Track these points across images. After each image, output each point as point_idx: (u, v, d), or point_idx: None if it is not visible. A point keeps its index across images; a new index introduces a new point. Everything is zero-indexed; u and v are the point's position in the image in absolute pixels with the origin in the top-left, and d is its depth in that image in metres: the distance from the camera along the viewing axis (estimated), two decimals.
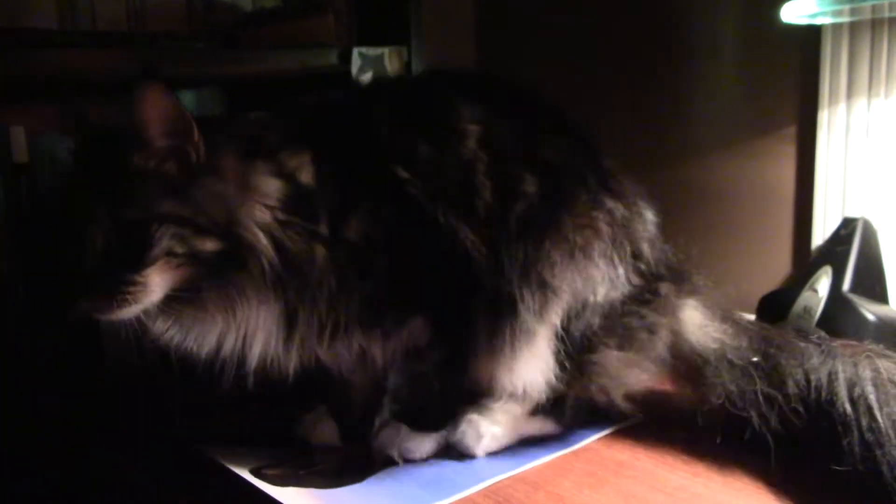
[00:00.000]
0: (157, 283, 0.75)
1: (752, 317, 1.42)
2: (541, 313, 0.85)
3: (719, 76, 1.49)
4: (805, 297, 1.25)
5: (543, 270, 0.84)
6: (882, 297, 1.26)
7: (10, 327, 1.13)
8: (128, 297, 0.75)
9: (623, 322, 0.90)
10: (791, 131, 1.41)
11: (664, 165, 1.57)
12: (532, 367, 0.87)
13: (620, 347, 0.90)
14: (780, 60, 1.40)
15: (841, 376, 0.82)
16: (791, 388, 0.85)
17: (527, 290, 0.84)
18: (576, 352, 0.87)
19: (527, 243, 0.84)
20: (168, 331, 0.82)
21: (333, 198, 0.81)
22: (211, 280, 0.78)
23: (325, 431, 0.95)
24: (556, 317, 0.86)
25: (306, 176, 0.82)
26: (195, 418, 1.03)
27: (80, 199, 0.77)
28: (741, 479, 0.83)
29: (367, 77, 1.33)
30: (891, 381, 0.81)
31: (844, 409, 0.79)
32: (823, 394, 0.82)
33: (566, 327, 0.87)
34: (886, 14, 1.24)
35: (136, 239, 0.74)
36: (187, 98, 1.51)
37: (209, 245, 0.76)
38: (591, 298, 0.88)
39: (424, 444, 0.89)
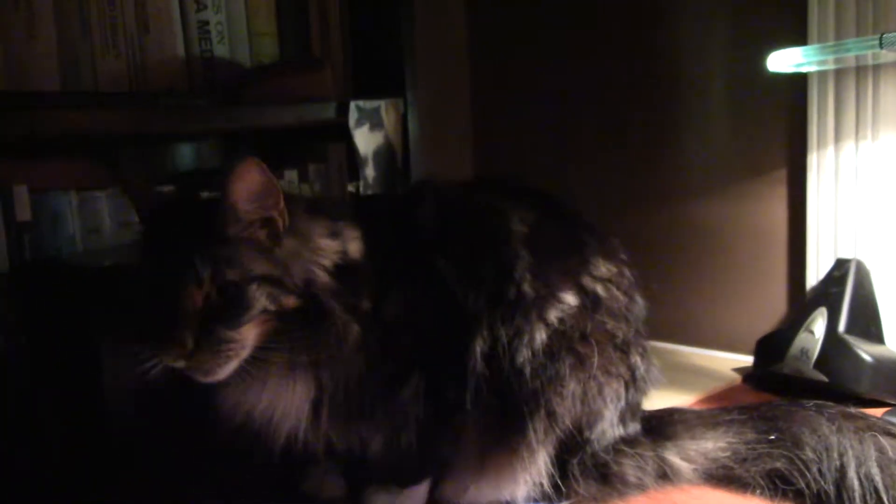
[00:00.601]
0: (250, 340, 0.78)
1: (747, 358, 1.45)
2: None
3: (709, 121, 1.52)
4: (801, 339, 1.27)
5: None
6: (877, 338, 1.27)
7: (12, 382, 1.14)
8: (230, 353, 0.77)
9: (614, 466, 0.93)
10: (782, 174, 1.44)
11: (656, 209, 1.59)
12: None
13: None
14: (769, 106, 1.44)
15: (850, 453, 0.86)
16: (810, 455, 0.89)
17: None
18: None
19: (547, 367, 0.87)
20: (229, 392, 0.84)
21: (376, 277, 0.84)
22: (289, 336, 0.80)
23: (333, 485, 0.96)
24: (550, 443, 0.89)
25: (355, 250, 0.84)
26: (197, 472, 1.03)
27: (175, 262, 0.78)
28: None
29: (363, 129, 1.36)
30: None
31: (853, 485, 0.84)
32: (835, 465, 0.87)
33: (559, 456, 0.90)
34: (870, 62, 1.28)
35: (235, 298, 0.77)
36: (188, 150, 1.54)
37: (291, 302, 0.79)
38: (587, 434, 0.90)
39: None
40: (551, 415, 0.86)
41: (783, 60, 1.14)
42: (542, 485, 0.88)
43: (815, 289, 1.35)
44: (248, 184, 0.78)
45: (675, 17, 1.54)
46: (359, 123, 1.35)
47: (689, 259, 1.55)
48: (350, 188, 1.38)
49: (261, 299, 0.78)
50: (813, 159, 1.37)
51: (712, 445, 0.96)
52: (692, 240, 1.55)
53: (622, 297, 0.94)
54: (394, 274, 0.85)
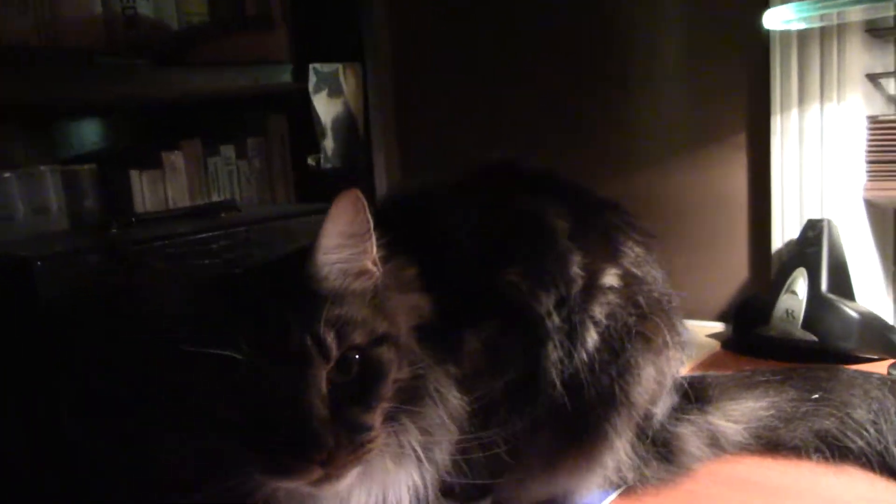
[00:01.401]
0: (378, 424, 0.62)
1: (717, 325, 1.44)
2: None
3: (665, 85, 1.49)
4: (785, 300, 1.26)
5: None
6: (851, 295, 1.29)
7: None
8: (370, 446, 0.61)
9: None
10: (741, 138, 1.44)
11: (612, 177, 1.55)
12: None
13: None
14: (728, 69, 1.43)
15: None
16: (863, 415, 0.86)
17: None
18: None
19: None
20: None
21: (448, 323, 0.70)
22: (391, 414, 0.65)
23: None
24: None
25: (426, 302, 0.70)
26: None
27: (277, 338, 0.60)
28: None
29: (322, 95, 1.23)
30: None
31: None
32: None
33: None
34: (834, 22, 1.29)
35: (367, 369, 0.62)
36: (94, 125, 1.33)
37: (405, 369, 0.65)
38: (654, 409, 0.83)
39: None
40: (630, 405, 0.78)
41: (780, 16, 1.12)
42: (612, 475, 0.81)
43: (790, 250, 1.36)
44: (351, 223, 0.63)
45: None
46: (317, 89, 1.22)
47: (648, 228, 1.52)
48: (310, 161, 1.24)
49: (392, 364, 0.63)
50: (777, 122, 1.37)
51: (755, 405, 0.92)
52: (651, 208, 1.51)
53: (653, 271, 0.88)
54: (463, 311, 0.72)
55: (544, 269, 0.77)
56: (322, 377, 0.60)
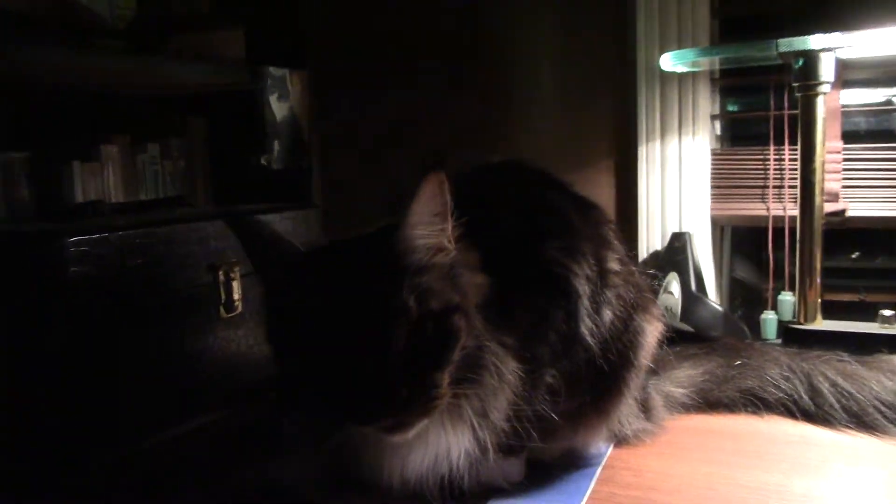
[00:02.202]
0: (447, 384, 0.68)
1: None
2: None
3: (543, 119, 1.71)
4: (664, 299, 1.50)
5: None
6: (707, 294, 1.57)
7: None
8: (437, 402, 0.67)
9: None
10: (611, 163, 1.69)
11: None
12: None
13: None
14: (599, 105, 1.67)
15: (814, 370, 1.06)
16: (777, 372, 1.08)
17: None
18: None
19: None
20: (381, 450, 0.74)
21: (502, 298, 0.79)
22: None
23: None
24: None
25: (484, 280, 0.78)
26: None
27: (367, 299, 0.66)
28: None
29: (273, 98, 1.26)
30: None
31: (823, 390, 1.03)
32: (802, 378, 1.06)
33: None
34: (691, 69, 1.57)
35: (440, 333, 0.68)
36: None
37: (472, 341, 0.71)
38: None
39: (518, 466, 0.90)
40: (637, 366, 0.93)
41: (674, 61, 1.36)
42: (616, 429, 0.95)
43: (659, 258, 1.61)
44: (434, 202, 0.71)
45: (506, 22, 1.71)
46: (270, 91, 1.25)
47: None
48: (262, 161, 1.26)
49: (462, 332, 0.70)
50: (643, 151, 1.63)
51: (692, 372, 1.11)
52: None
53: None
54: (514, 284, 0.82)
55: (574, 245, 0.90)
56: (402, 336, 0.68)
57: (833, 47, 1.24)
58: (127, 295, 0.93)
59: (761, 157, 1.59)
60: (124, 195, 1.25)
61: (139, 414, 0.97)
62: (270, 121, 1.25)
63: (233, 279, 1.08)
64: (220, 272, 1.06)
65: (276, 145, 1.28)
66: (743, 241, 1.77)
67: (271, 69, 1.25)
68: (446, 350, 0.70)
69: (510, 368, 0.79)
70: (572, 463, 0.92)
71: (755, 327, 1.53)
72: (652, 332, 0.96)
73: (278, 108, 1.27)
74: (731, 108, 1.79)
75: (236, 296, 1.09)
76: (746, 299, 1.76)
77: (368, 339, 0.66)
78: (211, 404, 1.09)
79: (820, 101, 1.28)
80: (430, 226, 0.72)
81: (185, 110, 1.36)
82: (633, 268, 0.99)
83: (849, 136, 1.59)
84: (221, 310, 1.07)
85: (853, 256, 1.82)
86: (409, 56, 1.76)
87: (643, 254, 1.65)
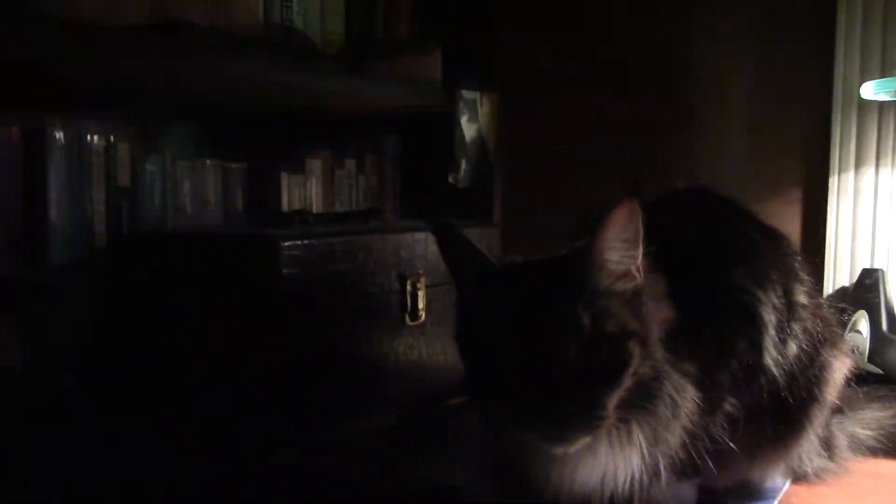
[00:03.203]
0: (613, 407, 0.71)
1: None
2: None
3: (731, 147, 1.68)
4: (851, 338, 1.43)
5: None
6: None
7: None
8: (601, 421, 0.70)
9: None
10: (798, 193, 1.63)
11: None
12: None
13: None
14: (790, 132, 1.62)
15: None
16: None
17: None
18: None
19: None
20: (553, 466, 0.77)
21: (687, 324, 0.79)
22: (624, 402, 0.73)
23: None
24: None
25: (672, 314, 0.79)
26: None
27: (545, 312, 0.70)
28: None
29: (463, 120, 1.33)
30: None
31: None
32: None
33: None
34: (892, 98, 1.49)
35: (613, 355, 0.70)
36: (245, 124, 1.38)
37: (647, 367, 0.73)
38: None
39: (690, 492, 0.90)
40: (823, 401, 0.91)
41: (877, 88, 1.31)
42: (795, 464, 0.93)
43: (847, 295, 1.53)
44: (624, 229, 0.72)
45: (695, 46, 1.69)
46: (461, 113, 1.32)
47: None
48: (450, 180, 1.33)
49: (635, 359, 0.71)
50: (834, 182, 1.56)
51: (881, 414, 1.06)
52: None
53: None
54: (699, 311, 0.81)
55: (762, 273, 0.89)
56: (573, 350, 0.69)
57: None
58: (328, 296, 1.02)
59: None
60: (323, 206, 1.36)
61: (329, 408, 1.05)
62: (460, 141, 1.32)
63: (419, 289, 1.15)
64: (408, 282, 1.14)
65: (463, 165, 1.35)
66: None
67: (464, 91, 1.32)
68: (617, 373, 0.71)
69: (689, 396, 0.79)
70: (747, 495, 0.91)
71: None
72: (839, 369, 0.93)
73: (468, 129, 1.34)
74: None
75: (421, 305, 1.15)
76: None
77: (542, 348, 0.69)
78: (391, 406, 1.17)
79: None
80: (618, 251, 0.74)
81: (380, 129, 1.45)
82: (822, 301, 0.97)
83: None
84: (407, 317, 1.15)
85: None
86: (593, 83, 1.78)
87: (829, 289, 1.57)
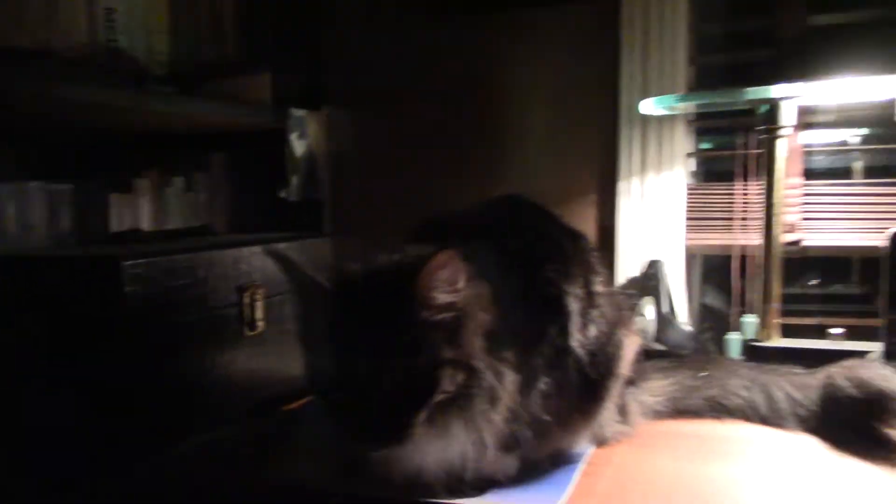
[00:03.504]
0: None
1: None
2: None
3: (534, 157, 1.86)
4: (638, 321, 1.64)
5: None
6: (676, 316, 1.71)
7: None
8: (411, 434, 0.83)
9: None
10: (594, 197, 1.84)
11: None
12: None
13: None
14: (585, 144, 1.83)
15: (769, 380, 1.19)
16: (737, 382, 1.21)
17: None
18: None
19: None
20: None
21: (505, 321, 0.91)
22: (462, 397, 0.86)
23: None
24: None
25: (492, 313, 0.90)
26: None
27: (370, 345, 0.81)
28: None
29: (294, 137, 1.40)
30: None
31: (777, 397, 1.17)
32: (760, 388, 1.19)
33: None
34: (668, 112, 1.73)
35: (421, 383, 0.82)
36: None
37: (460, 378, 0.85)
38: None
39: (513, 462, 1.03)
40: (618, 375, 1.07)
41: (655, 105, 1.51)
42: (597, 431, 1.09)
43: (635, 283, 1.75)
44: (443, 273, 0.84)
45: (502, 68, 1.87)
46: (291, 130, 1.39)
47: None
48: (282, 194, 1.39)
49: (445, 382, 0.84)
50: (623, 186, 1.78)
51: (664, 382, 1.25)
52: None
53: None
54: (516, 305, 0.94)
55: (566, 269, 1.04)
56: (387, 380, 0.82)
57: (793, 96, 1.39)
58: (170, 312, 1.05)
59: (730, 192, 1.74)
60: (153, 224, 1.37)
61: (175, 418, 1.09)
62: (291, 158, 1.39)
63: (256, 300, 1.20)
64: (247, 294, 1.19)
65: (294, 180, 1.41)
66: (711, 270, 1.92)
67: (293, 110, 1.39)
68: (425, 397, 0.83)
69: (508, 380, 0.92)
70: (559, 460, 1.05)
71: (721, 348, 1.67)
72: (630, 346, 1.09)
73: (298, 147, 1.41)
74: (704, 146, 1.95)
75: (259, 315, 1.21)
76: (714, 322, 1.90)
77: (363, 374, 0.81)
78: (234, 413, 1.21)
79: (781, 143, 1.43)
80: (438, 290, 0.85)
81: (209, 147, 1.49)
82: (615, 289, 1.13)
83: (808, 173, 1.74)
84: (246, 328, 1.20)
85: (812, 283, 1.97)
86: (414, 99, 1.91)
87: (620, 279, 1.79)
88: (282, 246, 1.28)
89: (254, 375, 1.23)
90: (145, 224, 1.36)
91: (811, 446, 1.09)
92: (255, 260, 1.20)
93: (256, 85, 1.34)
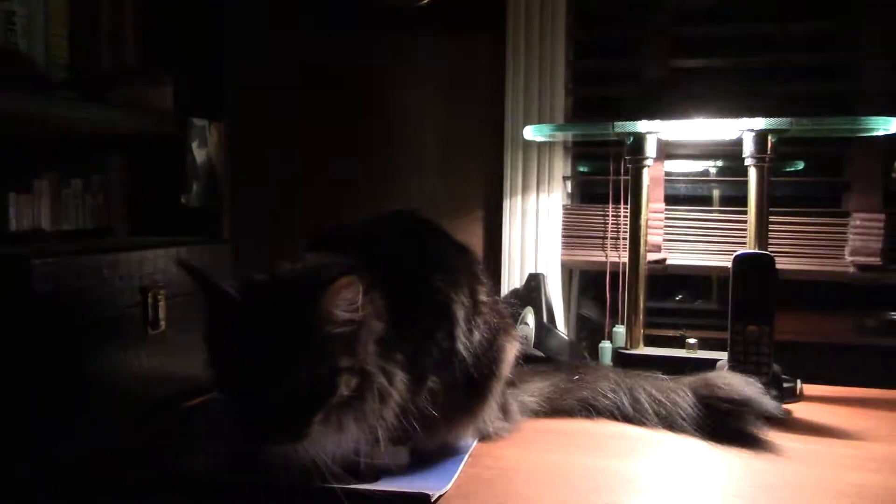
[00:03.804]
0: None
1: None
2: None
3: (426, 174, 1.97)
4: (520, 329, 1.76)
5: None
6: (555, 325, 1.85)
7: None
8: (309, 433, 0.91)
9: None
10: (481, 214, 1.96)
11: None
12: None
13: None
14: (473, 165, 1.95)
15: (635, 383, 1.34)
16: (606, 385, 1.34)
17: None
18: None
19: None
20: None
21: (396, 325, 1.00)
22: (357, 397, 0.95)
23: None
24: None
25: (383, 321, 0.99)
26: None
27: (271, 355, 0.89)
28: None
29: (194, 145, 1.44)
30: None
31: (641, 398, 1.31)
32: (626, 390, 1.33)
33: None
34: (547, 139, 1.87)
35: (320, 388, 0.90)
36: None
37: (354, 383, 0.93)
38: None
39: (404, 454, 1.12)
40: (500, 377, 1.17)
41: (534, 133, 1.65)
42: (481, 427, 1.19)
43: (518, 294, 1.87)
44: (345, 294, 0.92)
45: (400, 98, 1.96)
46: (192, 138, 1.43)
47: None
48: (183, 200, 1.43)
49: (341, 387, 0.93)
50: (507, 205, 1.91)
51: (541, 384, 1.37)
52: None
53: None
54: (407, 311, 1.03)
55: (453, 279, 1.14)
56: (287, 385, 0.90)
57: (655, 131, 1.56)
58: (76, 312, 1.08)
59: (602, 213, 1.90)
60: (52, 225, 1.38)
61: (78, 414, 1.11)
62: (192, 165, 1.43)
63: (159, 301, 1.24)
64: (150, 294, 1.22)
65: (194, 186, 1.45)
66: (590, 283, 2.07)
67: (194, 120, 1.43)
68: (322, 402, 0.92)
69: (399, 380, 1.01)
70: (446, 452, 1.15)
71: (596, 355, 1.81)
72: (511, 351, 1.20)
73: (198, 154, 1.45)
74: (583, 168, 2.11)
75: (161, 315, 1.25)
76: (591, 332, 2.06)
77: (265, 380, 0.89)
78: (136, 408, 1.24)
79: (645, 171, 1.59)
80: (340, 308, 0.93)
81: (109, 151, 1.50)
82: (498, 299, 1.24)
83: (671, 199, 1.93)
84: (149, 327, 1.23)
85: (677, 298, 2.17)
86: (312, 111, 1.98)
87: (505, 289, 1.91)
88: (184, 250, 1.32)
89: (156, 373, 1.26)
90: (45, 225, 1.36)
91: (669, 441, 1.23)
92: (159, 262, 1.24)
93: (159, 94, 1.37)
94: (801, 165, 2.03)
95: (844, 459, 1.15)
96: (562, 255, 1.92)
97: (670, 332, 2.03)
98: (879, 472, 1.10)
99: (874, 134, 1.51)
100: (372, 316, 0.98)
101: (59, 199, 1.41)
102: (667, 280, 1.99)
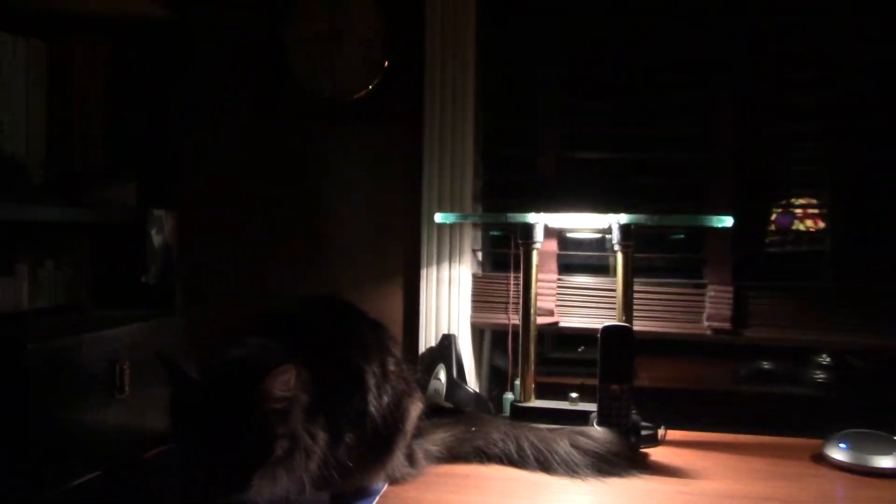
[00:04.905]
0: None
1: None
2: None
3: (354, 248, 2.24)
4: (434, 384, 2.02)
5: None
6: (465, 380, 2.12)
7: None
8: (251, 486, 1.14)
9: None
10: (400, 281, 2.23)
11: None
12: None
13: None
14: (395, 239, 2.23)
15: (521, 433, 1.62)
16: (497, 436, 1.63)
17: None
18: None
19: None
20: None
21: (318, 394, 1.25)
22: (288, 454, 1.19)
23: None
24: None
25: (307, 394, 1.23)
26: None
27: (223, 425, 1.12)
28: None
29: (153, 232, 1.69)
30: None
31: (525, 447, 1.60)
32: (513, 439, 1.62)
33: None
34: (459, 221, 2.16)
35: (260, 451, 1.14)
36: None
37: (286, 444, 1.18)
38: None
39: (326, 497, 1.37)
40: (405, 432, 1.44)
41: (444, 217, 1.94)
42: (391, 473, 1.45)
43: (433, 353, 2.14)
44: (283, 378, 1.16)
45: (326, 183, 2.24)
46: (151, 226, 1.68)
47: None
48: (143, 279, 1.67)
49: (279, 452, 1.17)
50: (424, 273, 2.19)
51: (444, 435, 1.65)
52: None
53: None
54: (328, 382, 1.28)
55: (367, 353, 1.41)
56: (233, 450, 1.14)
57: (542, 221, 1.86)
58: (59, 381, 1.32)
59: (505, 281, 2.20)
60: (29, 303, 1.60)
61: (54, 467, 1.34)
62: (150, 249, 1.67)
63: (125, 370, 1.48)
64: (117, 364, 1.47)
65: (153, 267, 1.69)
66: (504, 338, 2.36)
67: (154, 210, 1.68)
68: (260, 463, 1.16)
69: (321, 438, 1.27)
70: (361, 495, 1.40)
71: (501, 406, 2.10)
72: (414, 410, 1.48)
73: (156, 240, 1.70)
74: (494, 234, 2.39)
75: (126, 381, 1.49)
76: (501, 384, 2.34)
77: (215, 447, 1.13)
78: (104, 462, 1.47)
79: (534, 252, 1.89)
80: (278, 389, 1.17)
81: (80, 235, 1.73)
82: (405, 367, 1.52)
83: (566, 268, 2.23)
84: (116, 392, 1.47)
85: (580, 350, 2.47)
86: (251, 197, 2.25)
87: (422, 348, 2.18)
88: (146, 326, 1.56)
89: (121, 429, 1.50)
90: (24, 303, 1.58)
91: (546, 481, 1.50)
92: (125, 337, 1.48)
93: (125, 191, 1.62)
94: (682, 235, 2.35)
95: (676, 495, 1.45)
96: (471, 317, 2.20)
97: (572, 381, 2.33)
98: None
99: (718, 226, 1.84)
100: (301, 390, 1.24)
101: (35, 278, 1.64)
102: (572, 334, 2.28)
